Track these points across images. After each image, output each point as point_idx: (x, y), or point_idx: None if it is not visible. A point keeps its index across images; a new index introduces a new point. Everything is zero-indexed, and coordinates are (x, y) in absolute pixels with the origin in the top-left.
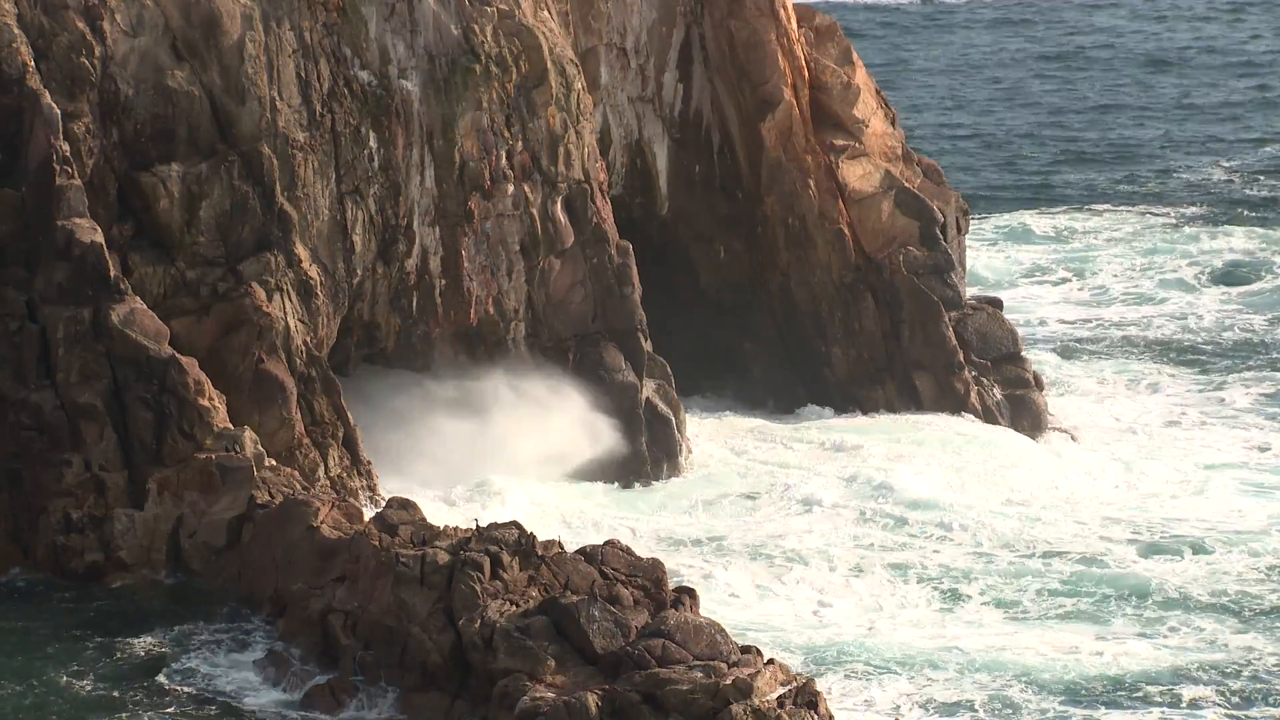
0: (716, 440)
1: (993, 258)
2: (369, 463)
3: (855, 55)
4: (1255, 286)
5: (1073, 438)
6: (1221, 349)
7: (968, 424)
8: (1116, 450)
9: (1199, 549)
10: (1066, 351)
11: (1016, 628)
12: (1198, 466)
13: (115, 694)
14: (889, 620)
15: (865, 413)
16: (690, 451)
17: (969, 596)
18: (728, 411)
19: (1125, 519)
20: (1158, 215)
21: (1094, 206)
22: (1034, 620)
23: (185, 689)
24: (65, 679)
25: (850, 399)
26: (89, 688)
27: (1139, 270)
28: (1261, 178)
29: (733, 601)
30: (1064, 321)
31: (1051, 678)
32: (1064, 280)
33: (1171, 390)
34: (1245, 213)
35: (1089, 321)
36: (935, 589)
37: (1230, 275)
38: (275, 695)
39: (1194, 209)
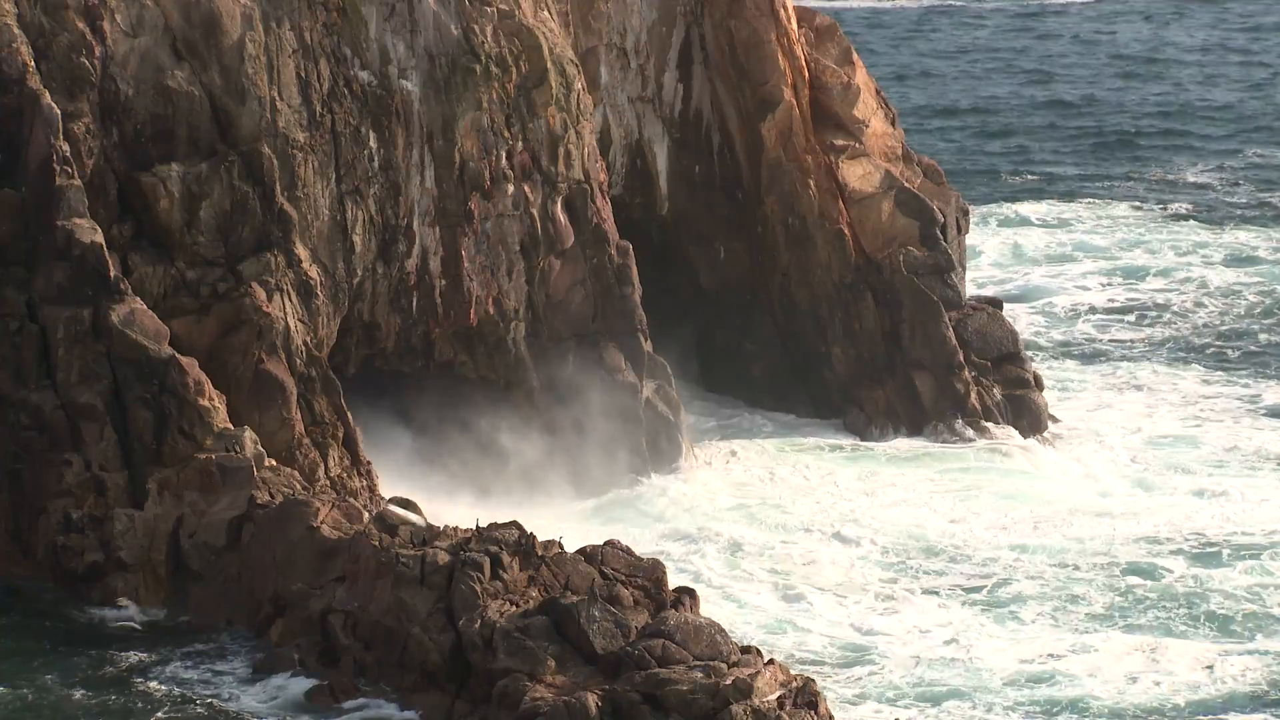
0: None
1: (1000, 255)
2: (369, 463)
3: (855, 55)
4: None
5: (1071, 438)
6: (1235, 344)
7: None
8: (1132, 456)
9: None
10: (1078, 349)
11: (1063, 645)
12: (1238, 468)
13: (109, 701)
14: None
15: (865, 411)
16: (691, 451)
17: (1019, 616)
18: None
19: (1160, 528)
20: (1159, 212)
21: (1094, 203)
22: (1081, 637)
23: (181, 694)
24: (57, 685)
25: (850, 399)
26: (80, 695)
27: (1143, 267)
28: (1260, 175)
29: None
30: (1073, 317)
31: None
32: (1067, 277)
33: (1188, 389)
34: (1247, 211)
35: (1093, 321)
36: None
37: (1237, 268)
38: (273, 697)
39: (1194, 206)
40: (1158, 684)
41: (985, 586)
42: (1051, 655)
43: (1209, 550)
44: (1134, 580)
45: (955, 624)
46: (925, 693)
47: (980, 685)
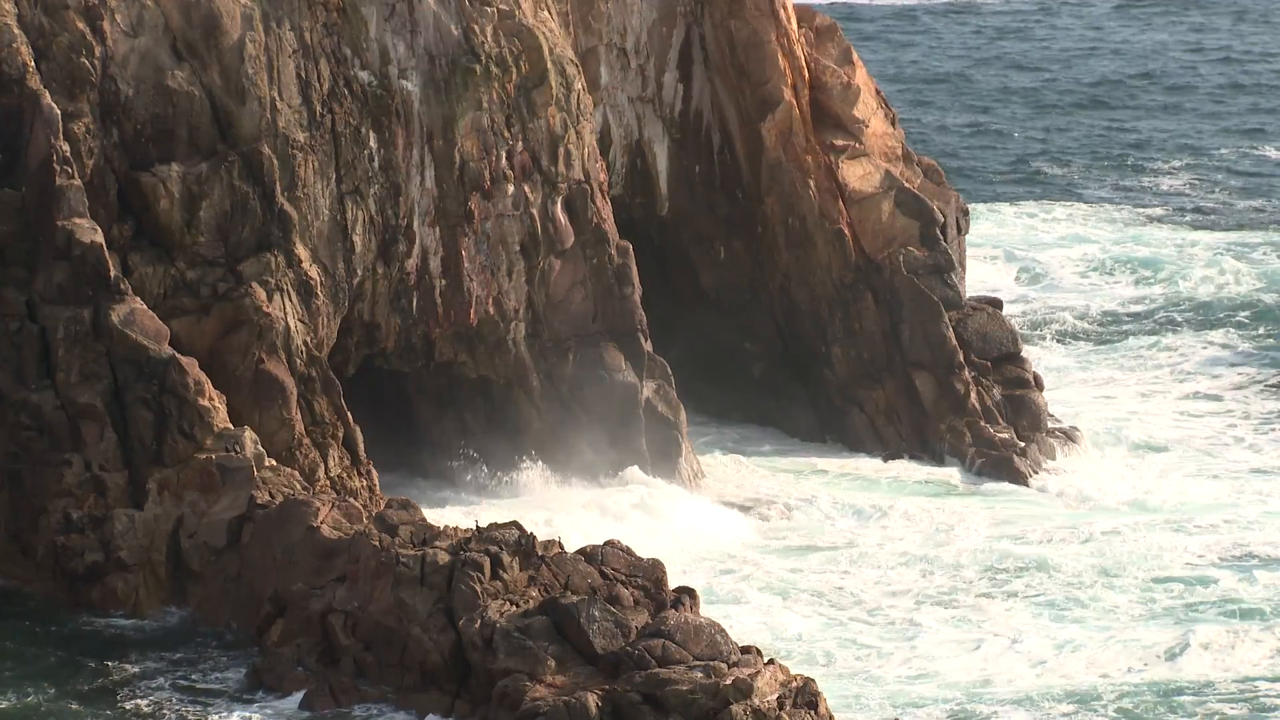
0: None
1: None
2: (369, 462)
3: (855, 55)
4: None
5: (1070, 438)
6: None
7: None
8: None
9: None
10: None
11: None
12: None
13: (103, 712)
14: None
15: (865, 412)
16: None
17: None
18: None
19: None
20: (1156, 212)
21: (1091, 204)
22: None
23: (177, 703)
24: (52, 694)
25: (850, 399)
26: (76, 705)
27: (1142, 267)
28: (1248, 177)
29: None
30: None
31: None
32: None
33: (1194, 389)
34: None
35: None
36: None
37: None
38: (272, 698)
39: (1189, 207)
40: (1212, 684)
41: (1017, 594)
42: (1109, 660)
43: (1246, 555)
44: (1176, 588)
45: (1005, 630)
46: (977, 694)
47: (1026, 688)
